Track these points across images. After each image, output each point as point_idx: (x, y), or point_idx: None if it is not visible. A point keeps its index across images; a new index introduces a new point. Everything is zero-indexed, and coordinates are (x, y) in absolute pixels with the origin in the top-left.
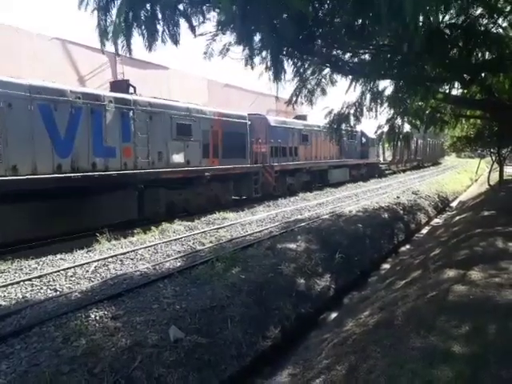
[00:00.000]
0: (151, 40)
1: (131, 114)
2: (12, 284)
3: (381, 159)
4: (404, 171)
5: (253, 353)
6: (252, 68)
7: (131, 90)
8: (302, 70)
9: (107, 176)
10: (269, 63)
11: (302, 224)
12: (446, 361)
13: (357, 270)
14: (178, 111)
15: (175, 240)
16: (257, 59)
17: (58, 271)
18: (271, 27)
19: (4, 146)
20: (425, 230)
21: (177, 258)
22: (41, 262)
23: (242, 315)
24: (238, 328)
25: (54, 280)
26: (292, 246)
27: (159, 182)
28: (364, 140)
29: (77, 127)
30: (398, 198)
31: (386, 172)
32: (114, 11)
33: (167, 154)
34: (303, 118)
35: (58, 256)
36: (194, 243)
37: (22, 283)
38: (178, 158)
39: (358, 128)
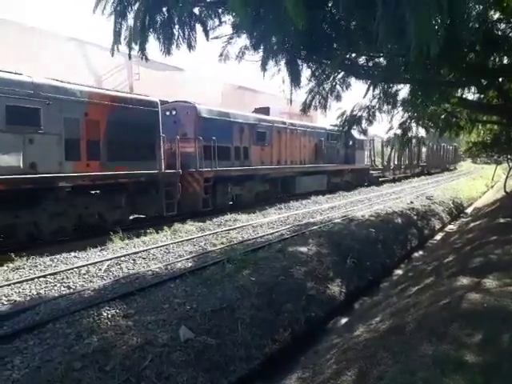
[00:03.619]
0: (168, 44)
1: None
2: (27, 280)
3: (378, 164)
4: (405, 178)
5: (262, 355)
6: (266, 70)
7: None
8: (317, 74)
9: None
10: (283, 66)
11: (314, 227)
12: (458, 369)
13: (368, 276)
14: (8, 87)
15: (187, 240)
16: (271, 62)
17: (72, 269)
18: (286, 30)
19: None
20: (438, 236)
21: (188, 259)
22: (55, 260)
23: (252, 317)
24: (247, 330)
25: (67, 277)
26: (303, 249)
27: None
28: (350, 141)
29: None
30: (411, 203)
31: (381, 179)
32: (130, 16)
33: None
34: (264, 111)
35: (72, 254)
36: (205, 244)
37: (36, 280)
38: (8, 160)
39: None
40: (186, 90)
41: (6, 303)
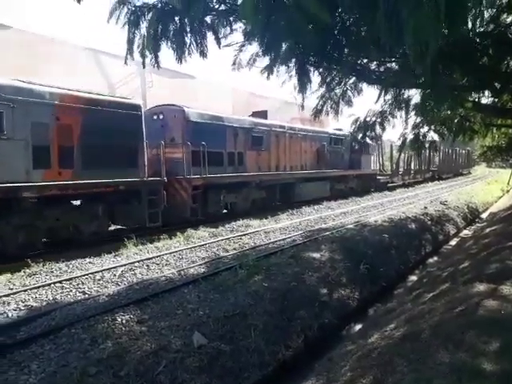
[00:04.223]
0: (180, 52)
1: None
2: (43, 286)
3: (387, 169)
4: (416, 184)
5: (275, 362)
6: (272, 74)
7: None
8: (328, 80)
9: None
10: (294, 73)
11: (326, 233)
12: (475, 378)
13: (382, 282)
14: None
15: (199, 246)
16: (282, 68)
17: (87, 274)
18: (296, 37)
19: None
20: (453, 242)
21: (201, 264)
22: (70, 265)
23: (265, 323)
24: (260, 336)
25: (82, 283)
26: (315, 255)
27: None
28: (356, 146)
29: None
30: (425, 208)
31: (389, 185)
32: (143, 25)
33: None
34: (262, 114)
35: (87, 260)
36: (217, 250)
37: (52, 285)
38: None
39: (347, 130)
40: (197, 96)
41: (23, 308)
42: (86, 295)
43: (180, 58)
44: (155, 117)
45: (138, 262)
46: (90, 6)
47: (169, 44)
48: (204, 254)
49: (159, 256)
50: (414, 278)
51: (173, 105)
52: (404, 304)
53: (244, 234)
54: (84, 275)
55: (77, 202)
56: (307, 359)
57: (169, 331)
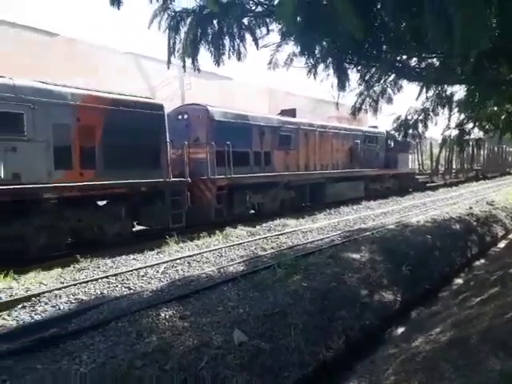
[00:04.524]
0: (218, 55)
1: None
2: (91, 280)
3: (427, 168)
4: (458, 183)
5: (315, 362)
6: (315, 77)
7: None
8: (366, 78)
9: None
10: (332, 71)
11: (366, 233)
12: None
13: (425, 284)
14: None
15: (238, 245)
16: (320, 67)
17: (131, 271)
18: (334, 36)
19: None
20: (502, 244)
21: (240, 263)
22: (116, 261)
23: (305, 323)
24: (300, 336)
25: (127, 279)
26: (355, 255)
27: None
28: (391, 144)
29: None
30: (470, 208)
31: (428, 185)
32: (183, 29)
33: None
34: (291, 112)
35: (131, 256)
36: (255, 248)
37: (100, 280)
38: None
39: (382, 128)
40: (234, 97)
41: (73, 301)
42: (131, 290)
43: (218, 60)
44: (180, 117)
45: (180, 259)
46: (127, 10)
47: (207, 47)
48: (242, 253)
49: (199, 254)
50: (459, 280)
51: (197, 104)
52: (450, 308)
53: (281, 234)
54: (129, 271)
55: (100, 203)
56: (348, 360)
57: (210, 327)
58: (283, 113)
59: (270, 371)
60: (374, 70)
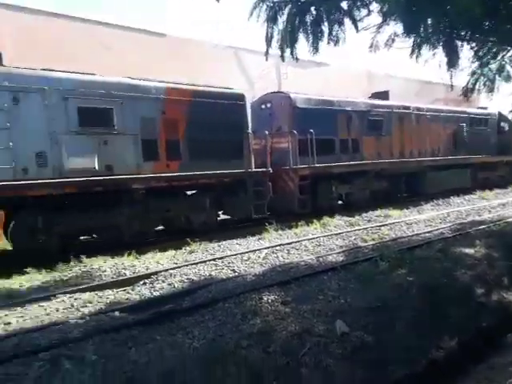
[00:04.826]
0: (316, 42)
1: None
2: (201, 262)
3: None
4: None
5: (425, 360)
6: (417, 57)
7: None
8: (481, 54)
9: None
10: (440, 50)
11: (481, 226)
12: None
13: None
14: (80, 88)
15: (336, 234)
16: (424, 47)
17: (236, 255)
18: (442, 11)
19: None
20: None
21: (339, 253)
22: (221, 246)
23: (412, 319)
24: (407, 332)
25: (232, 262)
26: (468, 250)
27: (26, 200)
28: (505, 127)
29: None
30: None
31: None
32: (280, 20)
33: (58, 155)
34: (383, 95)
35: (235, 241)
36: (355, 239)
37: (208, 262)
38: (83, 162)
39: (492, 109)
40: (330, 84)
41: (185, 281)
42: (236, 273)
43: (316, 47)
44: (263, 106)
45: (279, 246)
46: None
47: (305, 35)
48: (341, 243)
49: (298, 242)
50: None
51: (280, 92)
52: None
53: (383, 225)
54: (233, 255)
55: (187, 193)
56: (463, 363)
57: (311, 315)
58: (375, 96)
59: (374, 364)
60: (489, 45)
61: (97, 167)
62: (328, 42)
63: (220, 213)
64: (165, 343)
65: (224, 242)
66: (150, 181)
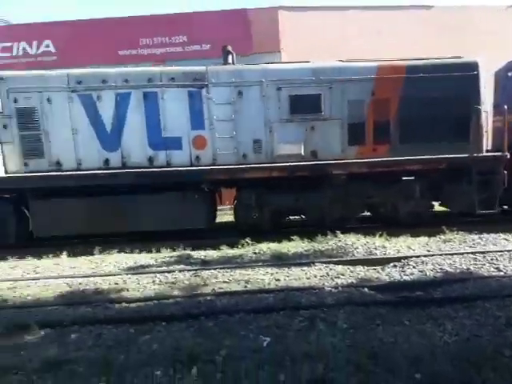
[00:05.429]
0: None
1: (204, 91)
2: (457, 254)
3: None
4: None
5: None
6: None
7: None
8: None
9: (167, 173)
10: None
11: None
12: None
13: None
14: (291, 77)
15: None
16: None
17: (502, 251)
18: None
19: None
20: None
21: None
22: (483, 238)
23: None
24: None
25: (496, 259)
26: None
27: (244, 182)
28: None
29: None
30: None
31: None
32: None
33: (271, 142)
34: None
35: (501, 236)
36: None
37: (465, 255)
38: (291, 148)
39: None
40: None
41: (438, 271)
42: (501, 272)
43: None
44: (510, 73)
45: None
46: None
47: None
48: None
49: None
50: None
51: None
52: None
53: None
54: (499, 251)
55: (392, 179)
56: None
57: None
58: None
59: None
60: None
61: (303, 153)
62: None
63: None
64: (413, 329)
65: (486, 235)
66: (351, 166)
